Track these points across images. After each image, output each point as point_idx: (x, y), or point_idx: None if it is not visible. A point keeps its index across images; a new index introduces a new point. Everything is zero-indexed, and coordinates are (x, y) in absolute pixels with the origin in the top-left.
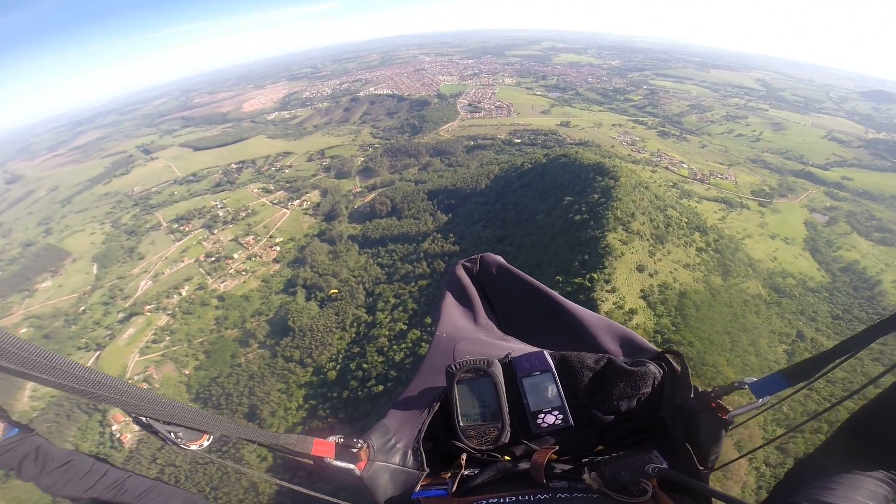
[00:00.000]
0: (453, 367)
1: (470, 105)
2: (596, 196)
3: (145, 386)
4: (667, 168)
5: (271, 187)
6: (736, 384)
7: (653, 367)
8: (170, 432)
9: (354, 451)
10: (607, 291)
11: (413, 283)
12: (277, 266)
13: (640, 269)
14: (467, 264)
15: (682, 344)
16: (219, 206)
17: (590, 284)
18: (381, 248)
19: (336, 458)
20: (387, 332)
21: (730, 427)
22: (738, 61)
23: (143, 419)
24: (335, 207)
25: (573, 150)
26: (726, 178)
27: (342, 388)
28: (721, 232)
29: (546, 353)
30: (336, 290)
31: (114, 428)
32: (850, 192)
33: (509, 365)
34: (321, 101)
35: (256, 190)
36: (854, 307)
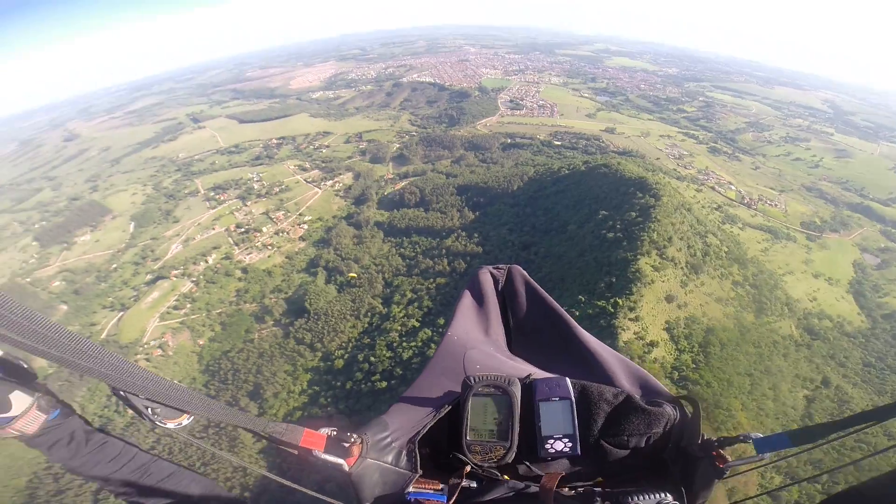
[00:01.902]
0: (472, 379)
1: (511, 101)
2: (633, 214)
3: (159, 353)
4: (713, 188)
5: (307, 165)
6: (741, 437)
7: (669, 409)
8: (146, 408)
9: (346, 445)
10: (630, 320)
11: (432, 280)
12: (303, 244)
13: (669, 299)
14: (494, 272)
15: (699, 383)
16: (255, 178)
17: (613, 310)
18: (405, 238)
19: (325, 452)
20: (399, 328)
21: (724, 476)
22: (807, 81)
23: (121, 392)
24: (366, 192)
25: (615, 161)
26: (776, 205)
27: (347, 379)
28: (762, 266)
29: (568, 380)
30: (355, 275)
31: (121, 393)
32: None
33: (528, 386)
34: (365, 83)
35: (293, 167)
36: (889, 356)
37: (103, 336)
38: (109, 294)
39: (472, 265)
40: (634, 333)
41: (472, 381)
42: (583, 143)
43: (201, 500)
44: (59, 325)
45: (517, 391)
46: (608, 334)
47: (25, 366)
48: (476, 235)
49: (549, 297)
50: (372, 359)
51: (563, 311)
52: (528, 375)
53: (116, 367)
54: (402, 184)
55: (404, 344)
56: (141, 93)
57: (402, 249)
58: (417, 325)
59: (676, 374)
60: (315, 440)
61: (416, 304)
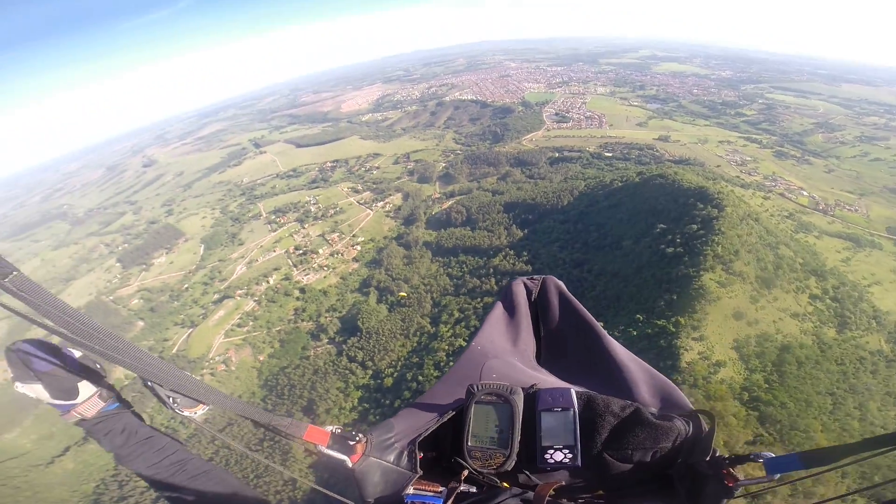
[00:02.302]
0: (475, 386)
1: (557, 114)
2: (694, 227)
3: (223, 368)
4: (782, 195)
5: (359, 187)
6: (752, 456)
7: (680, 424)
8: (168, 397)
9: (351, 443)
10: (693, 339)
11: (479, 299)
12: (356, 265)
13: (738, 316)
14: (527, 283)
15: (772, 404)
16: (312, 201)
17: (674, 329)
18: (452, 258)
19: (329, 447)
20: (446, 347)
21: (733, 496)
22: (877, 75)
23: (149, 383)
24: (414, 212)
25: (672, 170)
26: (856, 209)
27: (395, 397)
28: (843, 277)
29: (573, 390)
30: (405, 294)
31: (148, 383)
32: None
33: (532, 395)
34: (410, 104)
35: (346, 189)
36: None
37: (174, 351)
38: (181, 312)
39: (512, 278)
40: (699, 353)
41: (476, 389)
42: (635, 154)
43: (228, 497)
44: (98, 324)
45: (519, 400)
46: (669, 355)
47: (98, 366)
48: (525, 254)
49: (583, 308)
50: (420, 378)
51: (594, 322)
52: (533, 385)
53: (145, 361)
54: (449, 203)
55: (451, 363)
56: (208, 119)
57: (449, 269)
58: (464, 344)
59: (746, 395)
60: (319, 436)
61: (463, 324)
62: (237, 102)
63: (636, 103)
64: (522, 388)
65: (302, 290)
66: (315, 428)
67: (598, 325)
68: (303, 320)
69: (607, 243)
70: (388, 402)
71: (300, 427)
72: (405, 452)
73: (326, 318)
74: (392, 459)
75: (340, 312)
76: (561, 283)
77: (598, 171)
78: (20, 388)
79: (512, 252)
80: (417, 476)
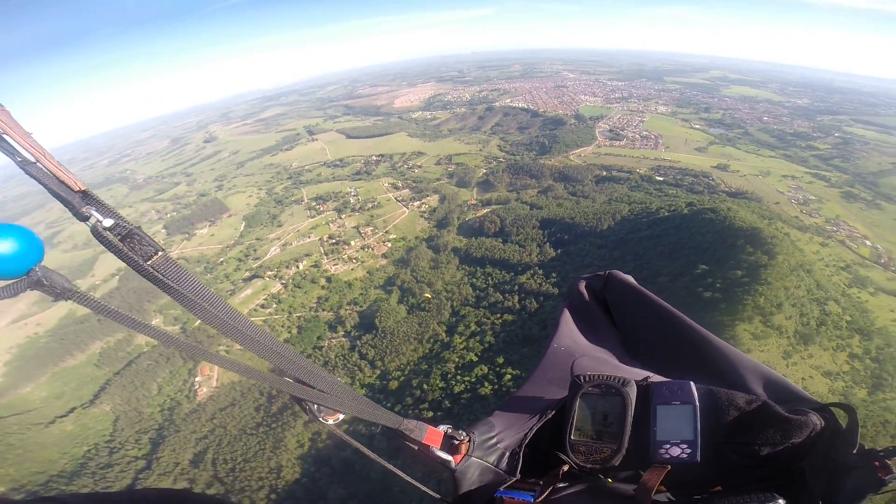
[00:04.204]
0: (582, 378)
1: (611, 131)
2: (739, 273)
3: (238, 348)
4: (842, 242)
5: (399, 184)
6: None
7: (815, 418)
8: (315, 406)
9: (456, 442)
10: None
11: (498, 315)
12: (384, 262)
13: None
14: (591, 281)
15: None
16: (352, 193)
17: None
18: (479, 268)
19: (440, 448)
20: (457, 359)
21: (881, 490)
22: None
23: (303, 401)
24: (448, 216)
25: (724, 206)
26: None
27: (396, 402)
28: (891, 338)
29: (692, 384)
30: (430, 296)
31: (196, 379)
32: None
33: (645, 389)
34: (460, 105)
35: (387, 184)
36: None
37: (196, 325)
38: (212, 285)
39: (545, 306)
40: None
41: (582, 380)
42: (689, 181)
43: None
44: (252, 323)
45: (632, 392)
46: None
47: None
48: (554, 275)
49: (659, 298)
50: (425, 386)
51: (678, 311)
52: (646, 378)
53: (302, 369)
54: (484, 211)
55: (458, 377)
56: (271, 103)
57: (474, 279)
58: (475, 359)
59: None
60: (434, 437)
61: (477, 338)
62: (300, 88)
63: (698, 126)
64: (635, 381)
65: (328, 280)
66: (433, 429)
67: (681, 313)
68: (324, 310)
69: (642, 276)
70: (388, 405)
71: (422, 429)
72: (507, 454)
73: (347, 310)
74: (493, 461)
75: (361, 307)
76: (628, 277)
77: (645, 195)
78: None
79: (541, 271)
80: (515, 479)
